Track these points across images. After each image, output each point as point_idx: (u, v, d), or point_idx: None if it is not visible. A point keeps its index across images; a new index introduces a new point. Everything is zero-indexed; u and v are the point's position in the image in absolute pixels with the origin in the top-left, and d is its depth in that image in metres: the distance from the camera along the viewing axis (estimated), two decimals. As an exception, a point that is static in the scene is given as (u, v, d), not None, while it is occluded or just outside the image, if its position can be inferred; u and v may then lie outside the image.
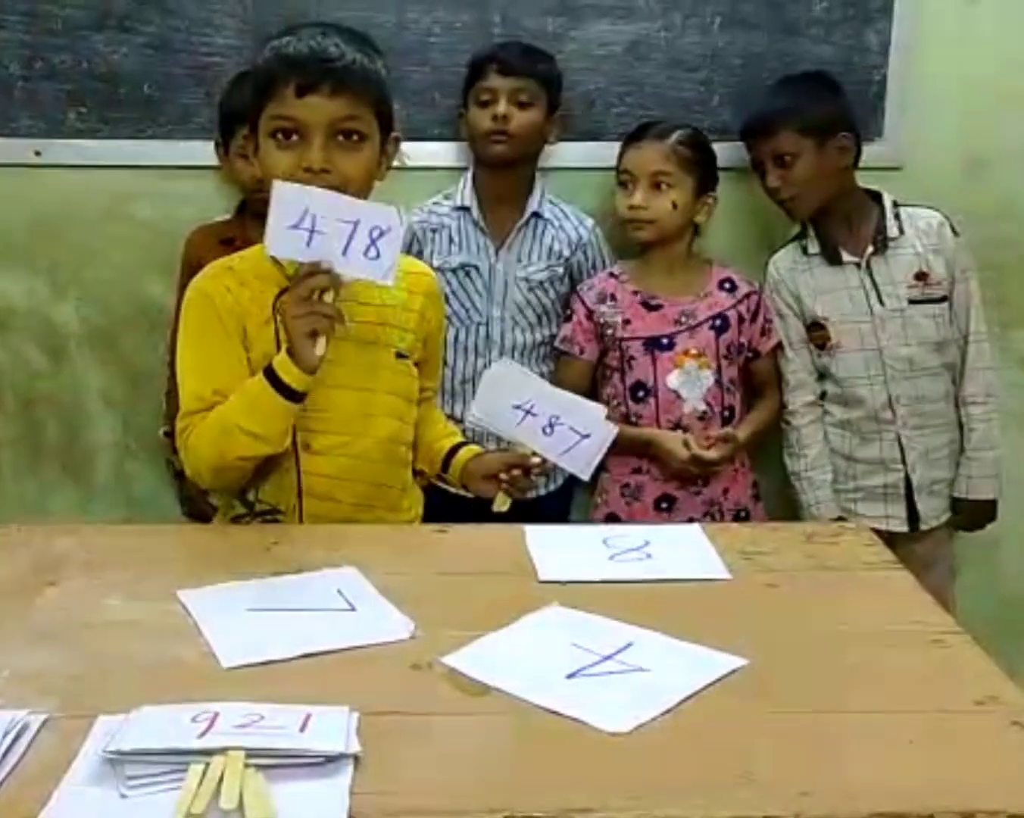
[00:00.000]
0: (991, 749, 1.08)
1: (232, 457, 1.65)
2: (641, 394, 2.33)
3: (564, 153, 2.42)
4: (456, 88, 2.40)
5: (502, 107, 2.30)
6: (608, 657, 1.23)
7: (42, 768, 1.02)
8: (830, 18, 2.45)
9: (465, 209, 2.39)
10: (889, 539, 2.24)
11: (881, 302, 2.32)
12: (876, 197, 2.36)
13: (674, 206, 2.29)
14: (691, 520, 2.24)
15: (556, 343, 2.41)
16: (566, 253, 2.41)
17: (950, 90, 2.41)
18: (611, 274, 2.38)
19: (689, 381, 2.32)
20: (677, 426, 2.31)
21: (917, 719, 1.13)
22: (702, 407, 2.32)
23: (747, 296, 2.38)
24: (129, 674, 1.20)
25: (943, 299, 2.33)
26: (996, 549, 2.59)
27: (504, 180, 2.38)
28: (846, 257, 2.33)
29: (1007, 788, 1.01)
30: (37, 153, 2.43)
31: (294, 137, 1.65)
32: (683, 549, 1.57)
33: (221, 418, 1.65)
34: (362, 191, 1.73)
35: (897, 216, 2.34)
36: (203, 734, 1.02)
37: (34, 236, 2.48)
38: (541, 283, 2.40)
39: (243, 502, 1.78)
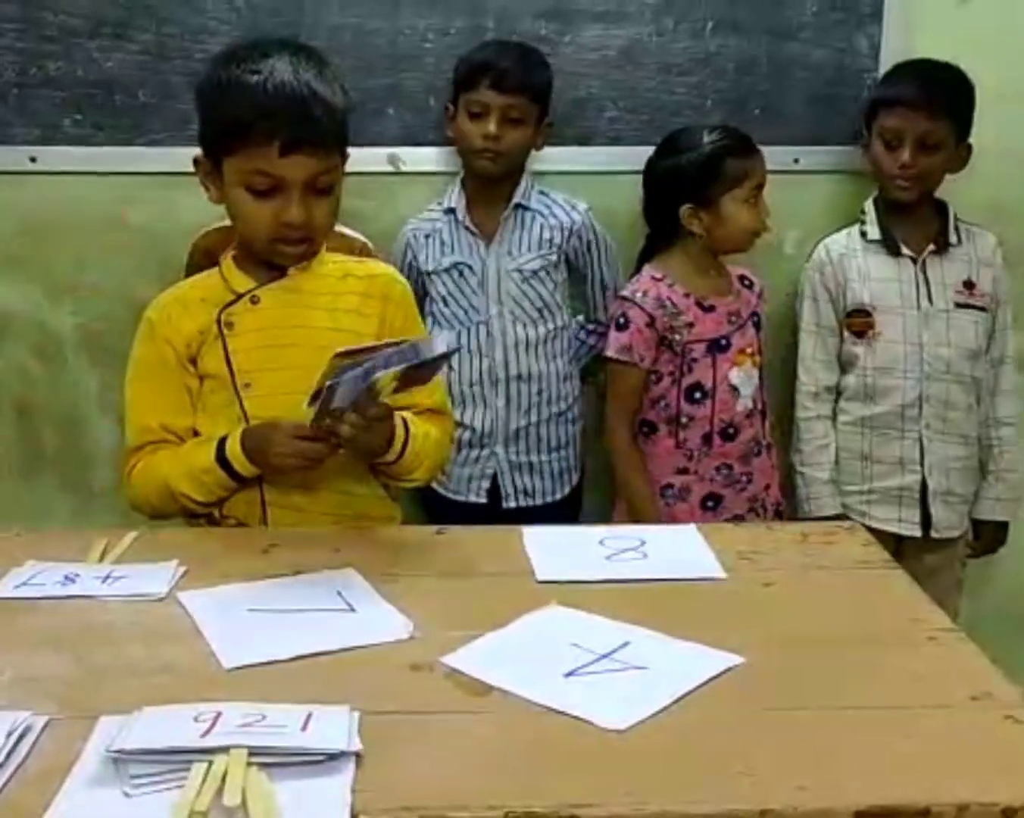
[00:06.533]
0: (985, 743, 1.09)
1: (172, 512, 1.78)
2: (698, 395, 2.31)
3: (556, 157, 2.43)
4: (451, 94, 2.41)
5: (493, 127, 2.28)
6: (606, 656, 1.24)
7: (45, 769, 1.03)
8: (821, 22, 2.47)
9: (452, 211, 2.39)
10: (899, 546, 2.28)
11: (930, 300, 2.34)
12: (938, 204, 2.40)
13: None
14: (736, 517, 2.30)
15: (610, 353, 2.32)
16: (558, 240, 2.39)
17: (940, 92, 2.42)
18: (653, 277, 2.34)
19: (747, 379, 2.33)
20: (730, 425, 2.32)
21: (912, 714, 1.14)
22: (750, 404, 2.33)
23: (762, 292, 2.41)
24: (130, 675, 1.21)
25: (983, 310, 2.37)
26: (997, 562, 2.58)
27: (492, 184, 2.38)
28: (904, 250, 2.36)
29: (1001, 781, 1.02)
30: (32, 160, 2.44)
31: (271, 188, 1.64)
32: (679, 549, 1.58)
33: (166, 479, 1.72)
34: (328, 232, 1.77)
35: (957, 227, 2.38)
36: (206, 733, 1.03)
37: (29, 242, 2.48)
38: (535, 272, 2.38)
39: (208, 519, 1.79)
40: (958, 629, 1.34)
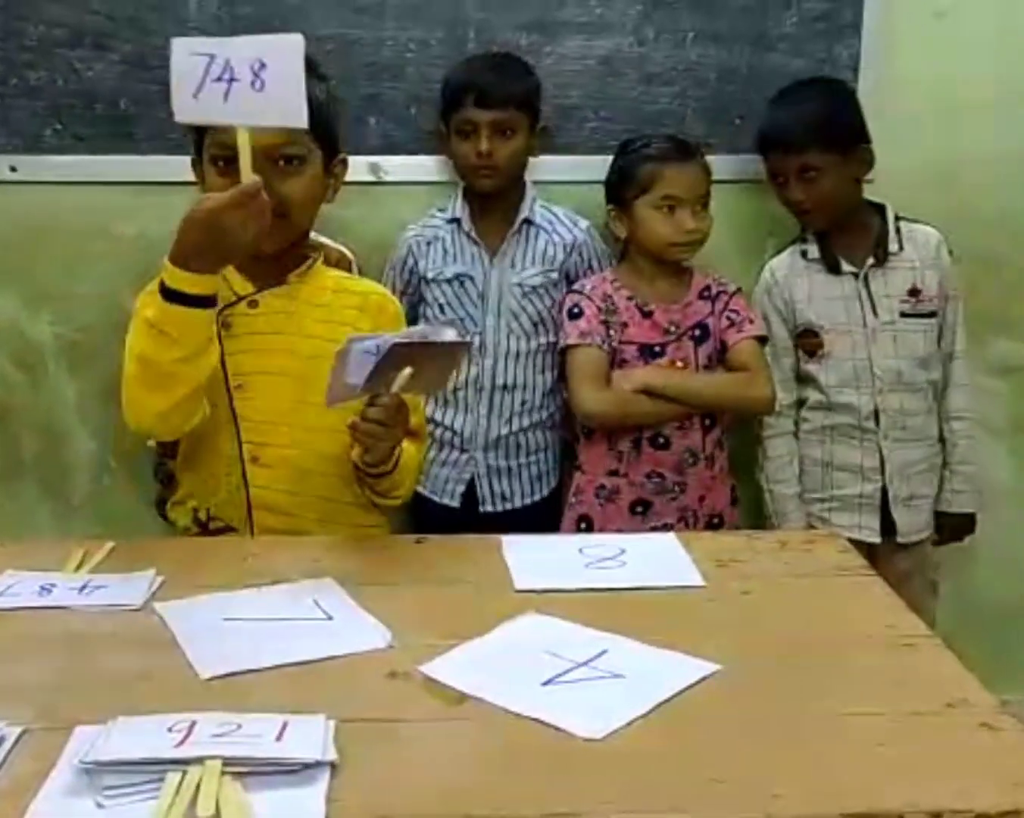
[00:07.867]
0: (960, 750, 1.10)
1: (178, 396, 1.61)
2: None
3: (538, 167, 2.43)
4: (432, 104, 2.41)
5: (484, 144, 2.29)
6: (583, 664, 1.24)
7: (19, 780, 1.02)
8: (801, 33, 2.48)
9: (457, 221, 2.39)
10: (869, 552, 2.27)
11: (875, 314, 2.34)
12: (878, 209, 2.39)
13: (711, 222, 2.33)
14: (665, 525, 2.27)
15: (571, 341, 2.31)
16: (560, 257, 2.40)
17: (919, 103, 2.44)
18: (603, 277, 2.37)
19: None
20: (659, 434, 2.32)
21: (888, 721, 1.14)
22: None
23: (719, 295, 2.38)
24: (107, 685, 1.21)
25: (932, 315, 2.36)
26: (972, 559, 2.60)
27: (494, 197, 2.38)
28: (845, 267, 2.35)
29: (976, 788, 1.02)
30: (13, 169, 2.43)
31: (234, 164, 1.63)
32: (658, 557, 1.58)
33: (143, 355, 1.59)
34: (306, 213, 1.77)
35: (898, 230, 2.36)
36: (180, 744, 1.03)
37: (9, 252, 2.47)
38: (535, 288, 2.38)
39: (196, 522, 1.79)
40: (934, 636, 1.35)
